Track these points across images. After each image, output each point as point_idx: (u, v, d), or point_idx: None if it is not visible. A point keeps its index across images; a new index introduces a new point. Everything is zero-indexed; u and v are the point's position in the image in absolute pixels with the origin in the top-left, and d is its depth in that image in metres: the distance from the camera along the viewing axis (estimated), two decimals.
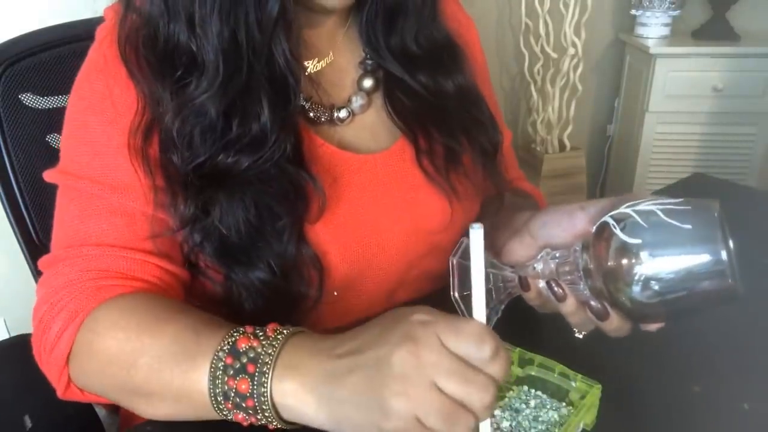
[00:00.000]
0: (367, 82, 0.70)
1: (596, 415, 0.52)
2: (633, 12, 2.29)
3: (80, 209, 0.59)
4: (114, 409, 0.81)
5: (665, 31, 2.26)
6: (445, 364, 0.42)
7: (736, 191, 1.07)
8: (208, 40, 0.55)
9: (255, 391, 0.46)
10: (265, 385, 0.46)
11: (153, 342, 0.52)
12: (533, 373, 0.56)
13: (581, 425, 0.51)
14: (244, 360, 0.47)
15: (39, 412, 0.65)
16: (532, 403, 0.54)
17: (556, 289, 0.52)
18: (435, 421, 0.41)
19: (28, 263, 0.83)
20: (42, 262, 0.61)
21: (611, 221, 0.48)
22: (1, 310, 1.54)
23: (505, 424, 0.52)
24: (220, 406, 0.48)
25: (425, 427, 0.42)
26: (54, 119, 0.82)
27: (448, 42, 0.71)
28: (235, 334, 0.49)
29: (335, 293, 0.65)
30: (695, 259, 0.46)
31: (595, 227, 0.51)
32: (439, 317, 0.44)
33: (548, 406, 0.54)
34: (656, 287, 0.47)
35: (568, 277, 0.53)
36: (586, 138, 2.60)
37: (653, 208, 0.47)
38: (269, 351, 0.47)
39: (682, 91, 2.22)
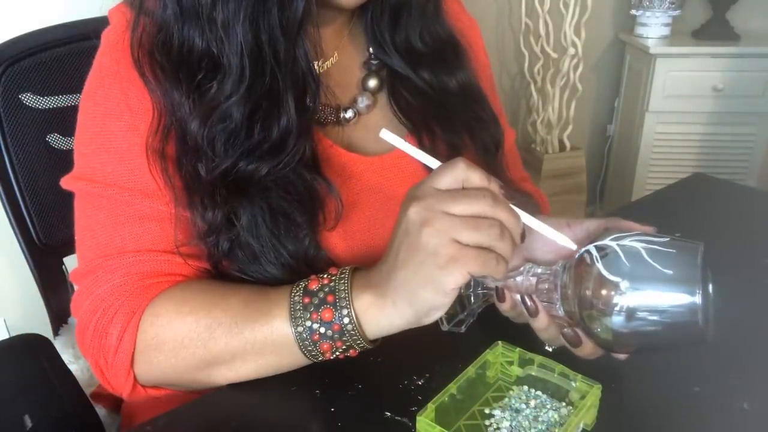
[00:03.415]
0: (372, 82, 0.70)
1: (596, 415, 0.52)
2: (633, 12, 2.29)
3: (111, 217, 0.59)
4: (114, 409, 0.81)
5: (665, 31, 2.26)
6: (455, 222, 0.47)
7: (736, 191, 1.07)
8: (231, 43, 0.55)
9: (338, 315, 0.52)
10: (347, 306, 0.52)
11: (224, 313, 0.56)
12: (533, 373, 0.56)
13: (581, 425, 0.51)
14: (322, 294, 0.53)
15: (39, 411, 0.65)
16: (532, 403, 0.54)
17: (529, 303, 0.54)
18: (467, 235, 0.47)
19: (28, 263, 0.83)
20: (75, 274, 0.62)
21: (594, 252, 0.49)
22: (1, 310, 1.54)
23: (505, 424, 0.52)
24: (305, 342, 0.53)
25: (463, 242, 0.47)
26: (54, 119, 0.82)
27: (451, 40, 0.71)
28: (302, 282, 0.55)
29: None
30: (670, 300, 0.47)
31: (578, 253, 0.51)
32: (429, 196, 0.49)
33: (548, 406, 0.54)
34: (628, 321, 0.48)
35: (545, 296, 0.54)
36: (586, 138, 2.60)
37: (638, 246, 0.48)
38: (342, 280, 0.53)
39: (682, 91, 2.22)
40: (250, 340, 0.55)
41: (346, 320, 0.52)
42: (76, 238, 0.63)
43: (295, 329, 0.53)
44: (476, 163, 0.71)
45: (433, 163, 0.53)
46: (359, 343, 0.54)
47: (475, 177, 0.49)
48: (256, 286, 0.58)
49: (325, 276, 0.55)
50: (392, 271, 0.51)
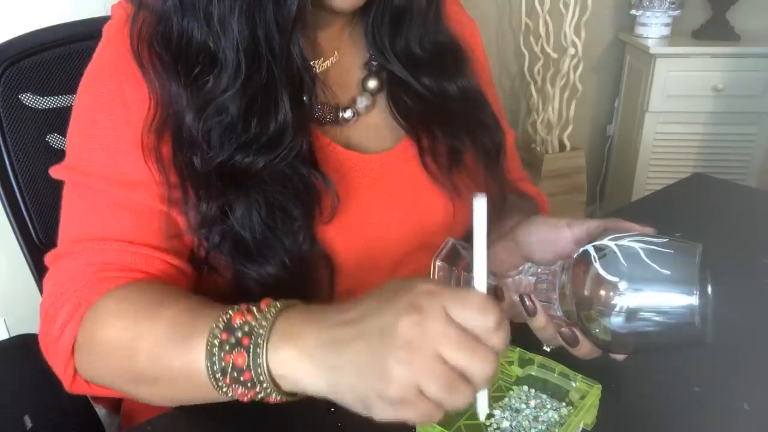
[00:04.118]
0: (372, 83, 0.70)
1: (596, 415, 0.52)
2: (633, 12, 2.29)
3: (88, 205, 0.60)
4: (114, 409, 0.81)
5: (665, 31, 2.26)
6: (450, 334, 0.41)
7: (736, 191, 1.07)
8: (227, 38, 0.55)
9: (251, 363, 0.46)
10: (261, 356, 0.46)
11: (151, 327, 0.52)
12: (533, 373, 0.56)
13: (581, 425, 0.51)
14: (239, 334, 0.47)
15: (39, 412, 0.65)
16: (532, 403, 0.54)
17: (527, 303, 0.53)
18: (436, 391, 0.41)
19: (28, 263, 0.83)
20: (48, 258, 0.62)
21: (592, 252, 0.49)
22: (1, 311, 1.54)
23: (505, 424, 0.52)
24: (219, 383, 0.48)
25: (425, 395, 0.41)
26: (54, 119, 0.82)
27: (451, 45, 0.71)
28: (230, 311, 0.49)
29: (348, 292, 0.66)
30: (668, 301, 0.47)
31: (576, 253, 0.51)
32: (443, 288, 0.43)
33: (548, 406, 0.54)
34: (626, 322, 0.48)
35: (544, 295, 0.54)
36: (586, 138, 2.60)
37: (636, 246, 0.48)
38: (263, 323, 0.47)
39: (682, 91, 2.22)
40: (168, 366, 0.50)
41: (258, 370, 0.46)
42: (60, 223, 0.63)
43: (210, 368, 0.48)
44: (476, 166, 0.71)
45: (479, 274, 0.44)
46: (276, 396, 0.48)
47: (497, 340, 0.42)
48: (194, 299, 0.55)
49: (253, 310, 0.48)
50: (334, 348, 0.44)
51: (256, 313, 0.48)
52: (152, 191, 0.59)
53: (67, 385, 0.59)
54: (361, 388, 0.43)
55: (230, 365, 0.47)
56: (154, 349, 0.51)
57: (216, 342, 0.48)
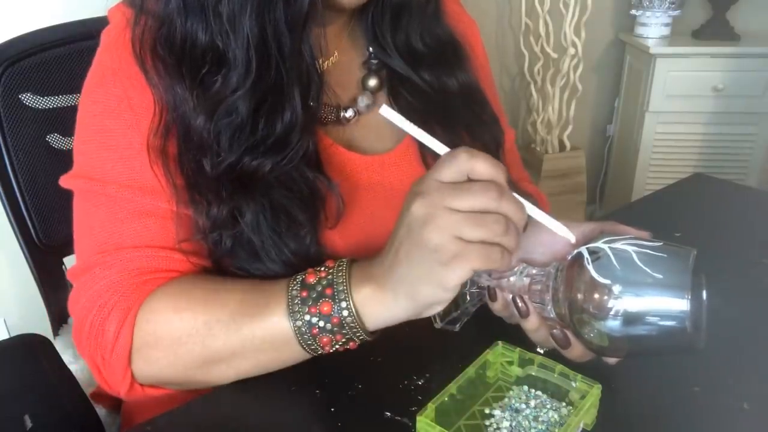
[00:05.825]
0: (372, 82, 0.70)
1: (596, 415, 0.52)
2: (633, 12, 2.29)
3: (110, 214, 0.59)
4: (114, 409, 0.81)
5: (665, 31, 2.26)
6: (459, 218, 0.46)
7: (736, 191, 1.07)
8: (237, 37, 0.55)
9: (337, 307, 0.52)
10: (347, 298, 0.52)
11: (222, 309, 0.55)
12: (533, 373, 0.56)
13: (581, 425, 0.51)
14: (319, 288, 0.53)
15: (39, 411, 0.65)
16: (532, 403, 0.54)
17: (520, 304, 0.54)
18: (471, 229, 0.46)
19: (28, 263, 0.83)
20: (72, 272, 0.61)
21: (586, 254, 0.49)
22: (1, 310, 1.55)
23: (505, 424, 0.52)
24: (305, 337, 0.53)
25: (469, 241, 0.46)
26: (54, 119, 0.82)
27: (451, 40, 0.71)
28: (299, 276, 0.55)
29: None
30: (659, 306, 0.46)
31: (570, 255, 0.51)
32: (430, 188, 0.48)
33: (548, 406, 0.54)
34: (617, 326, 0.47)
35: (538, 297, 0.54)
36: (586, 138, 2.60)
37: (629, 249, 0.48)
38: (340, 273, 0.53)
39: (682, 91, 2.22)
40: (248, 336, 0.54)
41: (345, 313, 0.52)
42: (74, 236, 0.63)
43: (294, 324, 0.53)
44: None
45: (436, 145, 0.51)
46: (359, 335, 0.54)
47: (480, 167, 0.47)
48: (252, 280, 0.58)
49: (323, 269, 0.54)
50: (394, 265, 0.50)
51: (328, 269, 0.54)
52: (170, 195, 0.59)
53: (124, 392, 0.59)
54: (424, 280, 0.48)
55: (317, 315, 0.52)
56: (231, 326, 0.55)
57: (297, 301, 0.53)
